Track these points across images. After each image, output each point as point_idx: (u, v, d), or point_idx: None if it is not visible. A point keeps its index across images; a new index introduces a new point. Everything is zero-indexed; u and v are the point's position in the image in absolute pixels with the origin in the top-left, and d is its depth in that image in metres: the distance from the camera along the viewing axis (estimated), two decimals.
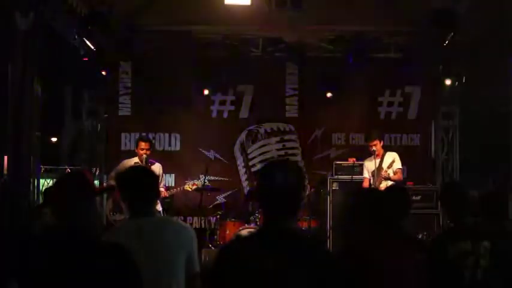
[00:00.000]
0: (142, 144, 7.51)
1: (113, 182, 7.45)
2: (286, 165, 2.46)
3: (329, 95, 9.53)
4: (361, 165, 8.13)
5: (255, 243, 2.31)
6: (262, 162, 9.79)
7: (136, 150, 7.61)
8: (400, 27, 8.83)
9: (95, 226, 2.58)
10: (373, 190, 5.83)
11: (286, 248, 2.23)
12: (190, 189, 7.97)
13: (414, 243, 3.74)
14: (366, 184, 7.86)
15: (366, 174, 7.90)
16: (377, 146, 7.67)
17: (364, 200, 3.14)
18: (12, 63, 6.82)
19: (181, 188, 7.99)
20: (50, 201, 2.67)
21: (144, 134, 8.88)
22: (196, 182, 8.01)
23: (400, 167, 7.71)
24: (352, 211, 3.05)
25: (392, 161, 7.47)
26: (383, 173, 7.37)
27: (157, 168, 7.42)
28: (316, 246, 2.33)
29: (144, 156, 7.47)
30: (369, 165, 7.83)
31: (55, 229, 2.55)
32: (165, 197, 7.86)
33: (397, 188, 5.21)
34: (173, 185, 9.17)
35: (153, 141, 9.08)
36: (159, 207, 7.24)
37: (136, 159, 7.54)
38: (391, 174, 7.45)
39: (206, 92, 9.67)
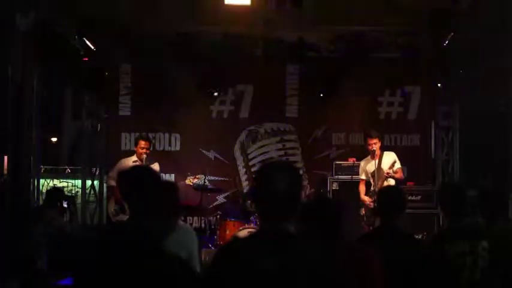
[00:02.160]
0: (142, 143, 7.51)
1: (113, 183, 7.46)
2: (283, 166, 2.45)
3: (331, 93, 9.55)
4: None
5: (252, 244, 2.30)
6: (262, 163, 9.79)
7: (135, 149, 7.61)
8: (400, 27, 8.82)
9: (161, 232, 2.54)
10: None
11: (284, 249, 2.23)
12: (191, 183, 7.92)
13: (410, 243, 3.75)
14: (362, 186, 7.84)
15: (363, 176, 7.87)
16: (377, 145, 7.66)
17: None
18: (12, 63, 6.82)
19: (182, 182, 7.93)
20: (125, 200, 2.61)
21: (144, 133, 8.88)
22: (198, 176, 7.95)
23: (400, 166, 7.72)
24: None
25: (394, 162, 7.47)
26: (387, 172, 7.35)
27: (155, 167, 7.43)
28: (314, 248, 2.33)
29: (144, 156, 7.47)
30: (368, 166, 7.79)
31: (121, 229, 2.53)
32: None
33: (392, 187, 5.24)
34: None
35: (153, 141, 9.08)
36: None
37: (134, 158, 7.54)
38: (392, 182, 7.44)
39: (206, 91, 9.67)
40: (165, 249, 2.42)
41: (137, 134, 8.64)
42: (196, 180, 7.86)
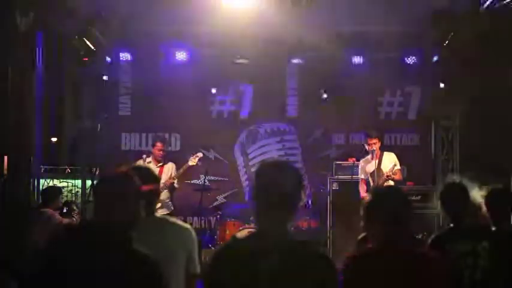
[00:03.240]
0: (159, 145, 7.67)
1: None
2: (282, 166, 2.43)
3: (325, 96, 9.57)
4: None
5: (251, 244, 2.30)
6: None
7: (153, 150, 7.74)
8: (400, 27, 8.82)
9: (129, 228, 2.52)
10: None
11: (282, 249, 2.23)
12: (194, 163, 7.91)
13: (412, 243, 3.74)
14: (362, 185, 7.82)
15: (362, 176, 7.86)
16: (376, 145, 7.64)
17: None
18: (12, 63, 6.81)
19: (185, 166, 7.90)
20: (94, 199, 2.61)
21: (144, 134, 8.89)
22: (198, 154, 7.94)
23: (399, 167, 7.72)
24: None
25: (394, 165, 7.46)
26: (387, 174, 7.34)
27: (169, 167, 7.59)
28: (313, 248, 2.32)
29: (158, 158, 7.62)
30: (367, 166, 7.77)
31: (88, 228, 2.52)
32: (172, 188, 7.79)
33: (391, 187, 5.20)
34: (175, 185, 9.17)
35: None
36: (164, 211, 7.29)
37: (149, 159, 7.63)
38: (391, 183, 7.42)
39: (206, 91, 9.70)
40: (132, 247, 2.43)
41: (137, 134, 8.62)
42: (197, 158, 7.85)
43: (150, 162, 7.52)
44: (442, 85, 9.54)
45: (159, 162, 7.57)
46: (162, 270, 2.47)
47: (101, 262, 2.34)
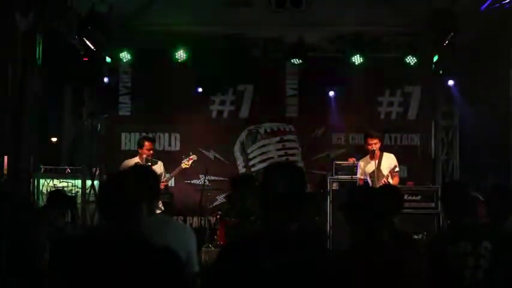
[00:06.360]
0: (148, 145, 7.51)
1: None
2: (289, 168, 2.46)
3: (331, 93, 9.59)
4: None
5: (254, 244, 2.31)
6: (262, 162, 9.81)
7: (140, 150, 7.60)
8: (400, 27, 8.82)
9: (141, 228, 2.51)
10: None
11: (287, 250, 2.24)
12: (187, 166, 7.86)
13: (408, 242, 3.75)
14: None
15: (362, 176, 7.85)
16: (377, 145, 7.63)
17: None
18: (12, 63, 6.82)
19: (178, 168, 7.87)
20: (99, 203, 2.58)
21: (145, 133, 8.87)
22: (191, 156, 7.88)
23: (398, 169, 7.72)
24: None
25: (394, 166, 7.46)
26: (383, 180, 7.34)
27: (158, 166, 7.43)
28: (317, 248, 2.33)
29: (144, 156, 7.47)
30: (367, 166, 7.76)
31: (103, 230, 2.50)
32: (165, 191, 7.73)
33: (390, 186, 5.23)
34: (173, 185, 9.17)
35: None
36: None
37: (137, 159, 7.52)
38: (391, 181, 7.42)
39: (206, 92, 9.70)
40: (151, 241, 2.42)
41: (142, 134, 8.60)
42: (191, 161, 7.80)
43: (138, 162, 7.38)
44: (442, 85, 9.53)
45: (147, 162, 7.44)
46: (182, 260, 2.46)
47: (125, 263, 2.32)
